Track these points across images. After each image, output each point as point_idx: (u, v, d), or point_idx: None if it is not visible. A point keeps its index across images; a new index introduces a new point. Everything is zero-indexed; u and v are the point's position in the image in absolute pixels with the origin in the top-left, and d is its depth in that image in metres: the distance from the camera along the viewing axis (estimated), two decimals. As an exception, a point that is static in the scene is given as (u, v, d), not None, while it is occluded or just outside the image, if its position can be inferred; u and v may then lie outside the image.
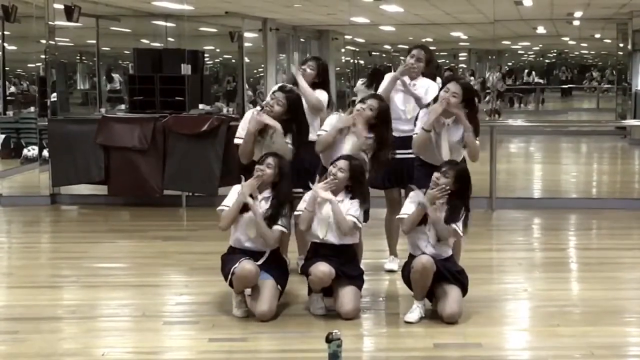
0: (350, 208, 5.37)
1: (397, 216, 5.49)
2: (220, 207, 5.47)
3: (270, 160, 5.42)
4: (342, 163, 5.40)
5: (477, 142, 5.65)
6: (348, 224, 5.34)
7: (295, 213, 5.50)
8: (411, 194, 5.48)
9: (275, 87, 6.05)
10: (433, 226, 5.25)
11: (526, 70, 24.39)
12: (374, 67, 18.64)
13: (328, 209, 5.37)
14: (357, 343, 4.94)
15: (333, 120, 5.84)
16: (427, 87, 6.29)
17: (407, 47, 6.52)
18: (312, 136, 6.19)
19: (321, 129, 5.89)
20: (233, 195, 5.45)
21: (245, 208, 5.37)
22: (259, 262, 5.35)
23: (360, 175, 5.44)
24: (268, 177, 5.40)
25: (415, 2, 16.48)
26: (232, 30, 18.01)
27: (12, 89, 14.86)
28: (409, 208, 5.36)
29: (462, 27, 20.87)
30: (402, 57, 6.43)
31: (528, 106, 24.03)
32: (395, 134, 6.17)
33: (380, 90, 6.35)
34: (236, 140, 5.96)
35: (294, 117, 5.82)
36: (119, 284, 6.38)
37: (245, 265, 5.25)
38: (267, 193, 5.44)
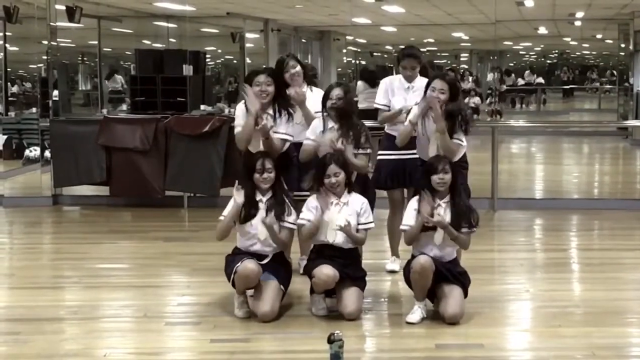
0: (359, 213, 5.41)
1: (400, 227, 5.46)
2: (220, 217, 5.48)
3: (268, 164, 5.42)
4: (334, 169, 5.40)
5: (461, 142, 5.61)
6: (363, 238, 5.44)
7: (299, 222, 5.48)
8: (411, 201, 5.45)
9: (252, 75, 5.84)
10: (445, 233, 5.26)
11: (526, 72, 24.37)
12: (364, 67, 18.60)
13: (333, 214, 5.38)
14: (358, 344, 4.94)
15: (316, 123, 5.90)
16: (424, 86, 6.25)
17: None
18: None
19: (306, 138, 5.88)
20: (230, 206, 5.47)
21: (249, 216, 5.40)
22: (263, 262, 5.36)
23: (348, 165, 5.49)
24: (273, 180, 5.42)
25: (417, 3, 16.48)
26: (234, 31, 18.02)
27: (14, 89, 14.87)
28: (410, 218, 5.34)
29: (464, 28, 20.87)
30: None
31: (529, 107, 24.03)
32: (396, 134, 6.17)
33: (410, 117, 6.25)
34: (235, 130, 5.87)
35: (279, 95, 5.79)
36: (121, 284, 6.38)
37: (248, 265, 5.26)
38: (268, 194, 5.45)
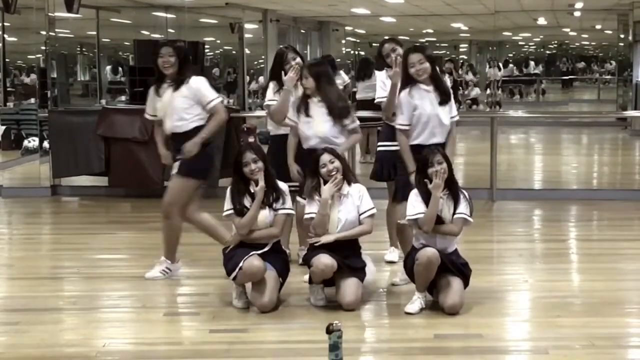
0: (360, 204, 5.43)
1: (407, 218, 5.35)
2: (227, 213, 5.45)
3: (252, 155, 5.40)
4: (328, 157, 5.40)
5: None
6: (368, 228, 5.45)
7: (306, 216, 5.47)
8: (412, 193, 5.42)
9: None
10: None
11: (524, 62, 24.34)
12: (362, 57, 18.51)
13: (334, 207, 5.38)
14: (357, 334, 4.95)
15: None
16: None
17: (407, 38, 6.59)
18: None
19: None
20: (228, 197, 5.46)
21: (245, 210, 5.40)
22: (260, 252, 5.35)
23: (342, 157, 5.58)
24: (262, 168, 5.40)
25: (416, -7, 16.46)
26: (233, 22, 17.97)
27: (18, 80, 14.83)
28: (418, 207, 5.30)
29: (463, 18, 20.81)
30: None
31: (529, 97, 24.00)
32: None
33: (386, 100, 6.27)
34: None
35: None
36: (120, 275, 6.39)
37: (254, 262, 5.25)
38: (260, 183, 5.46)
